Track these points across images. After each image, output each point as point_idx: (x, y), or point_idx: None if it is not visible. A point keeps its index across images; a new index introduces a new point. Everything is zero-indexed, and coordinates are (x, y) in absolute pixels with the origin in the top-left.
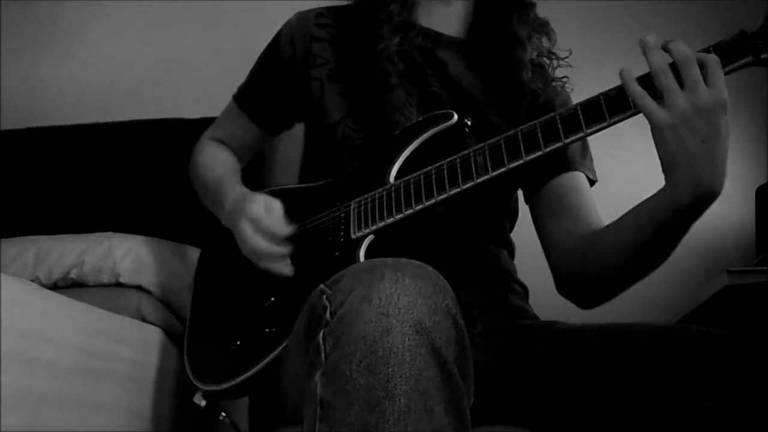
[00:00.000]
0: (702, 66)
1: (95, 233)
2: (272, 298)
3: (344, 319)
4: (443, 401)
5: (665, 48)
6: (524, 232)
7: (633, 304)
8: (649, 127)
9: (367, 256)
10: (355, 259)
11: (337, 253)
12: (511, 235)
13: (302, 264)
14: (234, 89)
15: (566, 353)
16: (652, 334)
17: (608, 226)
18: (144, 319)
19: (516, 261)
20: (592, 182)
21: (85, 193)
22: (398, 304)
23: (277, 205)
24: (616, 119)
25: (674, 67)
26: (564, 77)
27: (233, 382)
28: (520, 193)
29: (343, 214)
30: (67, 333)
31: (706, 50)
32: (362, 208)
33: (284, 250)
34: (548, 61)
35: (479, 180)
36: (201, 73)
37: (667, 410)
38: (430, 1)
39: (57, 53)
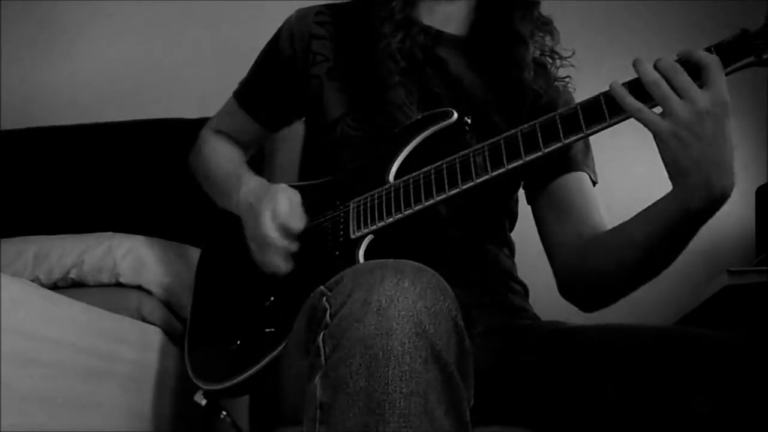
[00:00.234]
0: (702, 67)
1: (95, 233)
2: (272, 298)
3: (344, 321)
4: (443, 403)
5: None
6: (524, 232)
7: (633, 304)
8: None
9: (367, 255)
10: (355, 259)
11: (336, 253)
12: (511, 234)
13: (302, 263)
14: (233, 89)
15: (566, 353)
16: (653, 335)
17: (614, 228)
18: (144, 319)
19: (516, 261)
20: (593, 183)
21: (85, 193)
22: (398, 306)
23: (298, 200)
24: (616, 119)
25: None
26: (567, 77)
27: (234, 381)
28: (520, 192)
29: (342, 214)
30: (67, 333)
31: (708, 50)
32: (361, 207)
33: (292, 245)
34: (551, 61)
35: (478, 180)
36: (201, 73)
37: (667, 411)
38: None
39: (57, 53)
